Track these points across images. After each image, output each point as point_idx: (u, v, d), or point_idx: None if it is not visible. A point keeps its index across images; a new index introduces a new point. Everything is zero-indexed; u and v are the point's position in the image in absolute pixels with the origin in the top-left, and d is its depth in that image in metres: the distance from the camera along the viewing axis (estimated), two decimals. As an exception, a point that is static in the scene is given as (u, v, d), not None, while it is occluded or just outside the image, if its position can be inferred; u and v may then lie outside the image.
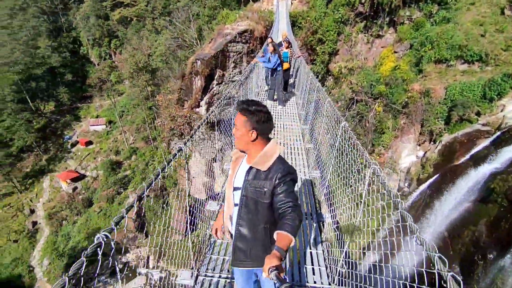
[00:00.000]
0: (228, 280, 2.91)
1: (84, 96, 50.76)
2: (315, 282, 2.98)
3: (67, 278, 1.03)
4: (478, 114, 15.92)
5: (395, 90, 18.98)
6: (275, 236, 1.54)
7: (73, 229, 30.40)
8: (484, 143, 15.00)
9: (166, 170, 2.20)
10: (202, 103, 19.53)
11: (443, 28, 18.82)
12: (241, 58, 20.55)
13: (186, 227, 2.98)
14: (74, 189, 34.90)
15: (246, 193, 1.83)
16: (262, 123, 1.78)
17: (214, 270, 3.04)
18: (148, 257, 26.80)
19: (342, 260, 2.54)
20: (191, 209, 2.85)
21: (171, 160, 2.32)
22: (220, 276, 2.96)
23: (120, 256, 25.41)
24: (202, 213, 3.34)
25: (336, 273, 2.79)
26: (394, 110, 18.99)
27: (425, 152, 17.41)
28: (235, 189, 1.94)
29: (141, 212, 26.75)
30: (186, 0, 38.56)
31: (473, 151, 15.02)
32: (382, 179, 1.92)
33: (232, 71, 20.26)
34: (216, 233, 2.13)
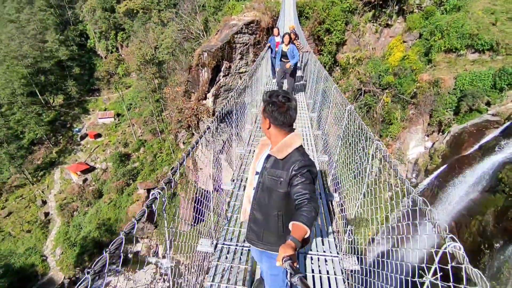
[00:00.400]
0: (243, 249, 3.23)
1: (92, 89, 51.29)
2: (324, 252, 3.24)
3: (89, 276, 1.08)
4: (488, 104, 15.68)
5: (404, 80, 18.76)
6: (290, 226, 1.55)
7: (84, 220, 31.19)
8: (493, 133, 14.83)
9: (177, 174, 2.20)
10: (209, 95, 19.58)
11: (453, 16, 18.45)
12: (247, 49, 20.45)
13: (195, 216, 3.13)
14: (84, 180, 35.64)
15: (263, 180, 1.91)
16: (273, 113, 1.83)
17: (231, 240, 3.38)
18: (157, 246, 27.41)
19: (349, 230, 2.66)
20: (200, 199, 3.04)
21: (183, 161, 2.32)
22: (236, 245, 3.29)
23: (131, 246, 26.06)
24: (209, 204, 3.55)
25: (344, 242, 2.96)
26: (402, 101, 18.81)
27: (434, 143, 17.26)
28: (257, 173, 2.05)
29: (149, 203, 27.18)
30: None
31: (482, 142, 14.86)
32: (388, 158, 1.99)
33: (239, 62, 20.19)
34: (243, 217, 2.25)
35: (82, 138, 43.55)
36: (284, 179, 1.79)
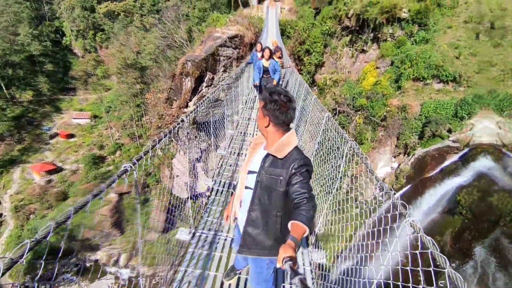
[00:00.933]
0: (220, 237, 3.36)
1: (67, 88, 49.24)
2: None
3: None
4: (449, 131, 17.02)
5: (375, 104, 19.92)
6: (289, 225, 1.53)
7: (41, 223, 29.05)
8: (453, 158, 16.04)
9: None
10: (191, 103, 19.71)
11: (422, 48, 20.04)
12: (231, 62, 20.92)
13: (167, 223, 3.25)
14: (48, 181, 33.50)
15: (261, 179, 1.86)
16: (274, 111, 1.81)
17: (209, 230, 3.49)
18: (119, 255, 26.08)
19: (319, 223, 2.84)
20: (172, 207, 3.13)
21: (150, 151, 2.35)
22: (214, 234, 3.41)
23: (89, 254, 24.59)
24: (183, 211, 3.62)
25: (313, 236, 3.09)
26: (373, 123, 19.90)
27: (399, 164, 18.32)
28: (250, 172, 2.00)
29: (120, 208, 26.14)
30: (176, 0, 38.70)
31: (443, 165, 16.00)
32: (361, 154, 2.26)
33: (222, 75, 20.58)
34: (227, 218, 2.20)
35: (52, 137, 41.33)
36: (283, 177, 1.77)
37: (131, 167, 1.90)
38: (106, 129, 40.83)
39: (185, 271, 2.87)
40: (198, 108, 4.23)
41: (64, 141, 40.58)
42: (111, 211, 26.60)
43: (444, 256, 1.45)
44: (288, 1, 32.80)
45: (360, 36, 23.81)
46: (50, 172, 34.38)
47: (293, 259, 1.27)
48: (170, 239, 3.17)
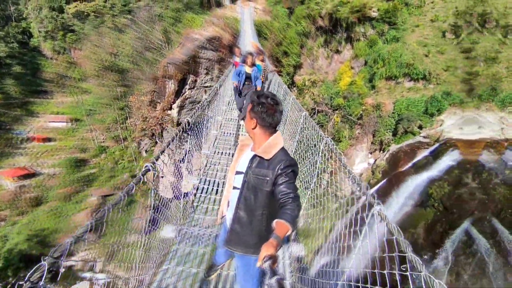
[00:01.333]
0: (205, 234, 3.46)
1: (39, 91, 47.03)
2: None
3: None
4: (420, 127, 17.90)
5: (352, 103, 20.61)
6: (274, 224, 1.57)
7: (12, 231, 27.62)
8: (424, 153, 16.85)
9: (132, 191, 2.14)
10: (174, 106, 19.83)
11: (393, 46, 20.63)
12: (212, 65, 21.01)
13: (151, 224, 3.16)
14: (22, 187, 31.86)
15: (248, 179, 1.93)
16: (261, 114, 1.87)
17: (194, 226, 3.61)
18: (95, 261, 25.27)
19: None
20: (160, 205, 3.11)
21: (140, 179, 2.26)
22: (199, 230, 3.51)
23: (63, 259, 23.58)
24: (169, 209, 3.66)
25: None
26: (350, 121, 20.60)
27: (375, 160, 19.10)
28: (237, 173, 2.07)
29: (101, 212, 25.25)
30: (147, 1, 37.98)
31: (414, 160, 16.83)
32: (335, 150, 2.47)
33: (204, 77, 20.66)
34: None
35: (25, 141, 39.38)
36: (270, 178, 1.83)
37: (152, 166, 2.05)
38: (87, 132, 39.70)
39: (167, 268, 2.90)
40: (197, 111, 4.46)
41: (40, 145, 38.89)
42: (90, 215, 25.79)
43: (407, 241, 1.56)
44: (260, 0, 32.77)
45: (334, 36, 24.06)
46: (24, 177, 32.76)
47: (274, 258, 1.31)
48: (154, 238, 3.09)
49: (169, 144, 2.64)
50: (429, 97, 18.16)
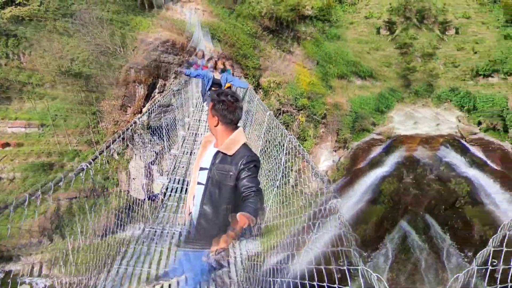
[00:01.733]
0: (168, 232, 3.58)
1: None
2: None
3: None
4: (374, 124, 18.76)
5: (316, 103, 21.30)
6: (237, 217, 1.59)
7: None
8: (378, 150, 17.75)
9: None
10: (144, 109, 20.23)
11: (337, 45, 20.81)
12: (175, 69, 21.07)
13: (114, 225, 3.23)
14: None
15: (212, 175, 1.98)
16: (223, 111, 1.94)
17: (159, 224, 3.73)
18: (41, 264, 23.54)
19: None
20: (129, 203, 3.37)
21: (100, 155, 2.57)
22: (163, 229, 3.64)
23: (3, 265, 21.92)
24: (142, 208, 3.79)
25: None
26: (315, 121, 21.36)
27: (340, 157, 20.05)
28: (201, 169, 2.13)
29: (59, 213, 23.74)
30: (84, 4, 36.20)
31: (370, 156, 17.66)
32: (298, 146, 2.80)
33: (173, 81, 20.63)
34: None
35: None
36: (233, 173, 1.89)
37: (87, 166, 2.10)
38: (53, 136, 37.47)
39: (117, 269, 2.85)
40: (151, 110, 4.65)
41: None
42: (43, 221, 24.10)
43: (355, 234, 1.55)
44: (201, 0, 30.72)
45: (280, 36, 23.36)
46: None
47: (225, 252, 1.35)
48: (110, 239, 3.02)
49: (110, 145, 2.73)
50: (378, 95, 18.76)
